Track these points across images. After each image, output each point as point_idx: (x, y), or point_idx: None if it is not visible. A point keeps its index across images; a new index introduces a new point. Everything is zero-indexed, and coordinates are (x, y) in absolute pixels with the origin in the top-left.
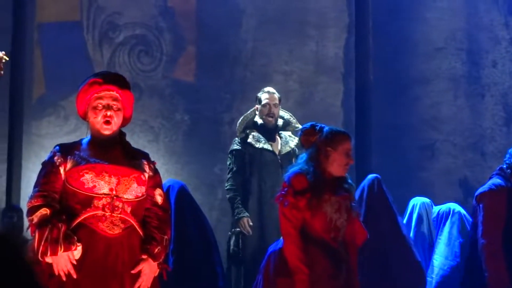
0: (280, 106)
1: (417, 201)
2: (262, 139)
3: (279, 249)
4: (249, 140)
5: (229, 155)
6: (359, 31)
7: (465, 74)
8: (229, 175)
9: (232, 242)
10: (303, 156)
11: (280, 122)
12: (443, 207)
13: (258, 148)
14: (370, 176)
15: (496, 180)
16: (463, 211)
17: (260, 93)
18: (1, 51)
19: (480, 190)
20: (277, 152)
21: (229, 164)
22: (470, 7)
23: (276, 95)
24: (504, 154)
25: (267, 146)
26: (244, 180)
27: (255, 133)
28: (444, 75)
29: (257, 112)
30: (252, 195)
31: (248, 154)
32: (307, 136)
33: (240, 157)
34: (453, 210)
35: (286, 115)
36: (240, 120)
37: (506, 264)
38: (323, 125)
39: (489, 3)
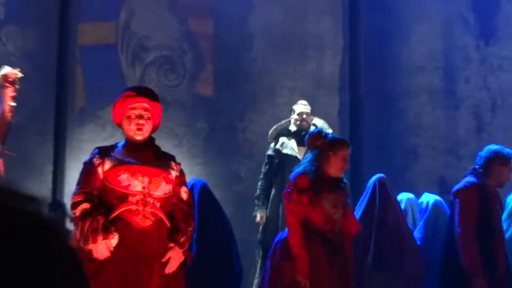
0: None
1: (403, 197)
2: (289, 145)
3: (284, 238)
4: (277, 146)
5: (265, 159)
6: (353, 52)
7: (443, 89)
8: (260, 177)
9: (260, 230)
10: (309, 156)
11: (312, 128)
12: (424, 200)
13: (283, 154)
14: (378, 175)
15: (470, 178)
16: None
17: (295, 104)
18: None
19: (457, 187)
20: (301, 157)
21: (263, 167)
22: (446, 31)
23: (308, 106)
24: (476, 156)
25: (291, 152)
26: (271, 181)
27: (285, 140)
28: (425, 90)
29: (292, 121)
30: (274, 195)
31: (277, 158)
32: (313, 139)
33: (271, 161)
34: (427, 203)
35: (320, 122)
36: (272, 129)
37: (479, 250)
38: (328, 132)
39: (463, 28)
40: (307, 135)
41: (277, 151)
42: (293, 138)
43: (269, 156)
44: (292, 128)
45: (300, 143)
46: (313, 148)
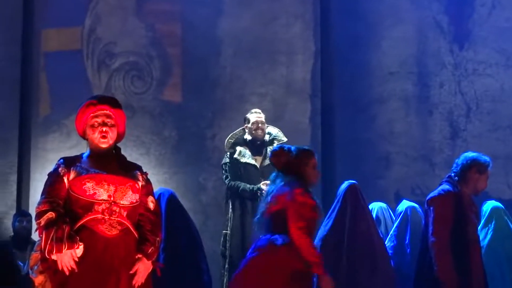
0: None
1: (375, 206)
2: (247, 154)
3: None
4: (235, 155)
5: (223, 168)
6: (324, 57)
7: (416, 94)
8: (227, 181)
9: (221, 242)
10: (281, 181)
11: (267, 137)
12: (399, 208)
13: (242, 162)
14: (349, 181)
15: (445, 186)
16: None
17: (248, 114)
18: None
19: (431, 194)
20: (259, 165)
21: (225, 174)
22: (420, 36)
23: (262, 115)
24: (451, 164)
25: (250, 160)
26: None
27: (241, 149)
28: (398, 96)
29: (246, 130)
30: (236, 206)
31: (236, 167)
32: (277, 157)
33: (231, 168)
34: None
35: (275, 131)
36: (228, 138)
37: (452, 258)
38: (289, 146)
39: (437, 33)
40: (270, 154)
41: (236, 160)
42: (248, 147)
43: (226, 164)
44: (247, 137)
45: (255, 153)
46: (280, 166)
